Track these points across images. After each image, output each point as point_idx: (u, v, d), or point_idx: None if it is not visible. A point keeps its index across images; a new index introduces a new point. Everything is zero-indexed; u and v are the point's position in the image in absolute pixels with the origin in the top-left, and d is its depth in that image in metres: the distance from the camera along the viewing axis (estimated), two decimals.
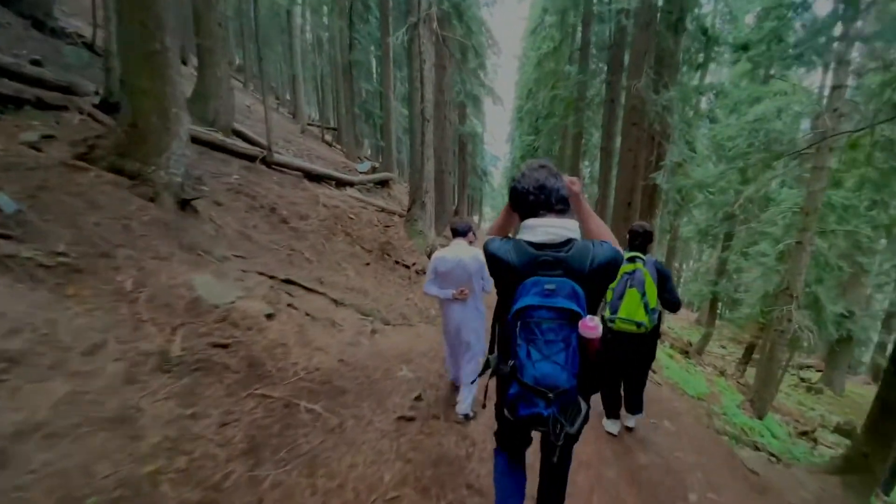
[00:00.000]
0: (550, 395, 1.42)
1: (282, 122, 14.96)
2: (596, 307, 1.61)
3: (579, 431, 1.58)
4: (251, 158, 7.78)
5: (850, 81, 10.16)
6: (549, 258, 1.51)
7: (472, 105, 14.22)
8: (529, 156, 20.95)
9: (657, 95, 8.60)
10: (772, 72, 16.44)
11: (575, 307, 1.44)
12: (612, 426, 3.55)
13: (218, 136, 7.04)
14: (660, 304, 3.19)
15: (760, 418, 10.18)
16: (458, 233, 3.27)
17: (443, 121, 10.01)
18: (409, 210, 8.75)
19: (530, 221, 1.60)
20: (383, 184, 12.57)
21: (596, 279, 1.52)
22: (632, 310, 3.06)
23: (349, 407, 2.97)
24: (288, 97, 22.29)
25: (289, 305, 3.71)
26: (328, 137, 17.91)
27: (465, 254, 3.12)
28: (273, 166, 8.29)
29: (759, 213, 15.36)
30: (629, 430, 3.67)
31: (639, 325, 3.06)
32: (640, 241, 3.25)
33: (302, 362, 3.22)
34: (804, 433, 10.60)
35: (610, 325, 3.17)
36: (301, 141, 13.51)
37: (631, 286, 3.08)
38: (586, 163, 19.58)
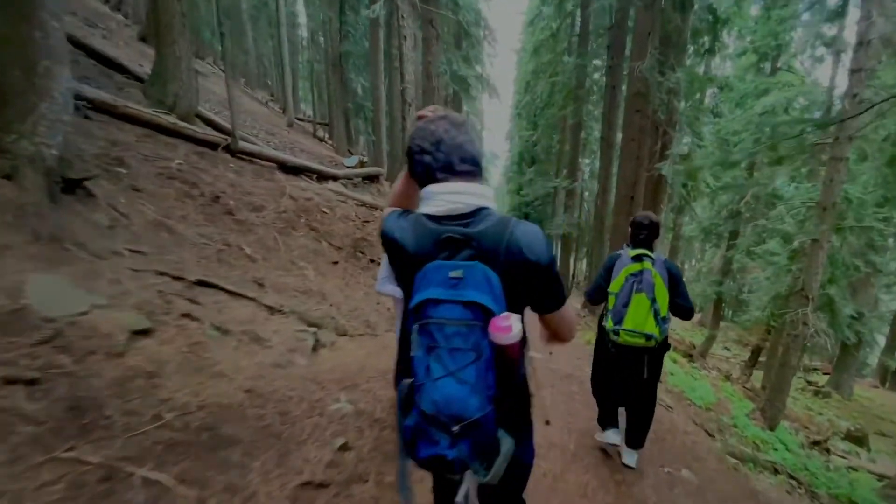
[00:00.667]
0: (455, 428, 0.95)
1: (268, 116, 14.05)
2: (519, 307, 1.10)
3: (515, 485, 1.25)
4: (213, 146, 6.81)
5: (870, 65, 9.04)
6: (454, 234, 1.05)
7: (465, 92, 13.12)
8: (528, 152, 19.96)
9: (663, 77, 7.58)
10: (778, 64, 15.55)
11: (488, 302, 0.96)
12: (613, 436, 2.99)
13: (168, 119, 6.07)
14: (670, 312, 2.61)
15: (772, 428, 9.23)
16: None
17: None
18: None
19: (429, 189, 1.13)
20: (372, 179, 11.60)
21: (513, 269, 1.03)
22: (640, 320, 2.48)
23: (229, 468, 1.97)
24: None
25: (185, 316, 2.72)
26: (320, 133, 17.04)
27: None
28: (239, 155, 7.32)
29: (766, 210, 14.51)
30: (628, 467, 2.87)
31: (648, 337, 2.48)
32: (645, 234, 2.62)
33: (180, 398, 2.22)
34: (816, 443, 9.72)
35: (614, 337, 2.59)
36: (286, 134, 12.57)
37: (638, 290, 2.50)
38: (587, 160, 18.53)
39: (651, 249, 2.62)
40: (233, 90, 6.97)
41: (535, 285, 1.07)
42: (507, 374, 1.01)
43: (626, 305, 2.52)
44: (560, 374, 4.16)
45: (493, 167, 32.20)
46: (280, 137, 11.66)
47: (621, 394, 2.93)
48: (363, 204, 8.49)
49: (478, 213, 1.08)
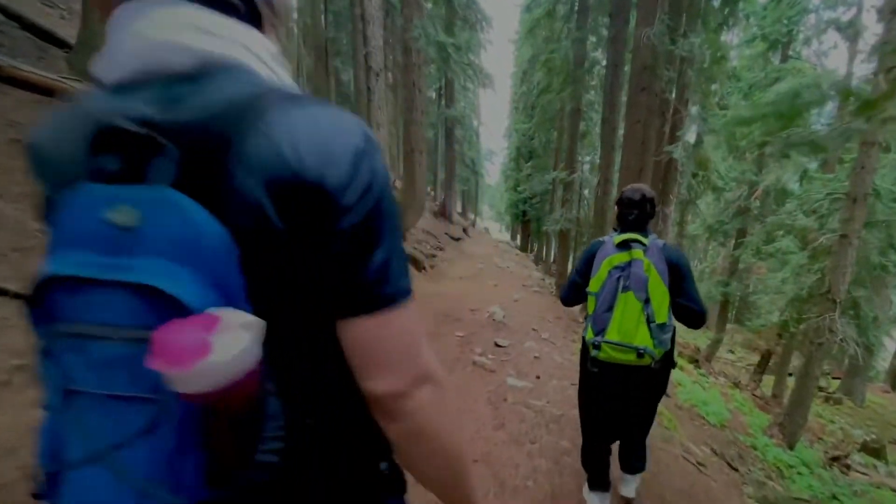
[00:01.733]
0: None
1: None
2: (279, 297, 0.46)
3: None
4: None
5: None
6: (123, 124, 0.40)
7: (444, 62, 11.59)
8: (525, 147, 18.66)
9: (674, 46, 6.30)
10: (790, 52, 14.44)
11: (181, 288, 0.38)
12: (597, 500, 2.20)
13: (75, 85, 4.86)
14: (672, 317, 1.89)
15: (791, 446, 8.24)
16: None
17: (411, 88, 7.75)
18: None
19: (114, 16, 0.45)
20: None
21: (267, 204, 0.42)
22: (628, 328, 1.79)
23: None
24: None
25: None
26: None
27: None
28: None
29: (776, 206, 13.55)
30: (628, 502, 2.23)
31: (640, 352, 1.77)
32: (636, 213, 1.94)
33: None
34: (835, 458, 8.85)
35: (595, 352, 1.88)
36: None
37: (625, 289, 1.81)
38: (588, 157, 17.21)
39: (645, 234, 1.91)
40: None
41: (321, 242, 0.45)
42: (235, 452, 0.43)
43: (609, 309, 1.84)
44: (547, 415, 2.86)
45: (491, 164, 31.10)
46: None
47: (606, 429, 2.15)
48: None
49: (206, 74, 0.45)
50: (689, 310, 1.85)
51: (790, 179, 14.13)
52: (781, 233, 12.50)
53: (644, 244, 1.86)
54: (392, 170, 11.36)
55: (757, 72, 14.21)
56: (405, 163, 8.21)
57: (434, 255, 9.44)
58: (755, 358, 15.18)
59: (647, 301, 1.80)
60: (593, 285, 1.91)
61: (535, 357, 4.20)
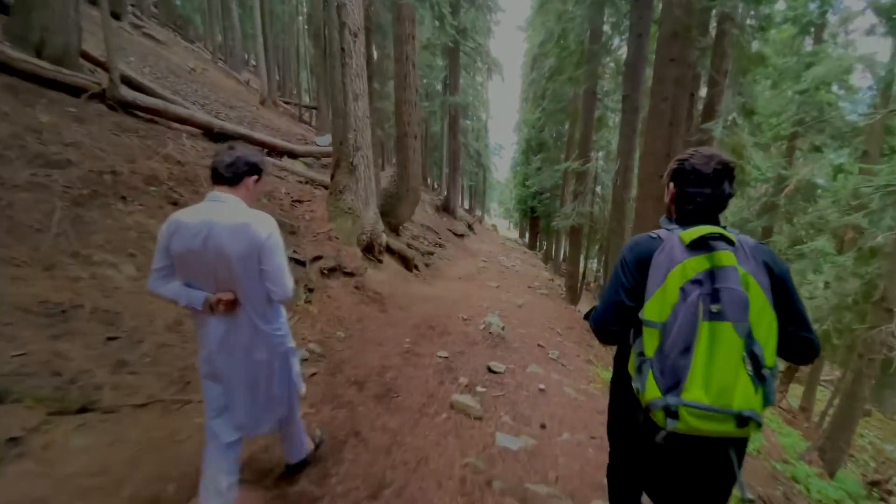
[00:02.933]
0: None
1: (238, 91, 11.91)
2: None
3: None
4: (74, 91, 4.58)
5: None
6: None
7: (440, 28, 10.31)
8: (535, 139, 17.42)
9: (713, 2, 5.08)
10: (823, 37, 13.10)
11: None
12: None
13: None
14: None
15: (832, 473, 7.12)
16: (222, 177, 1.33)
17: (404, 62, 6.63)
18: (332, 177, 5.38)
19: None
20: None
21: None
22: (723, 380, 0.96)
23: None
24: (277, 78, 19.19)
25: None
26: (307, 116, 15.12)
27: (226, 219, 1.27)
28: (132, 110, 5.08)
29: (805, 203, 12.22)
30: None
31: (741, 419, 0.96)
32: (708, 193, 1.16)
33: None
34: (875, 483, 7.83)
35: (666, 422, 1.00)
36: (253, 110, 10.36)
37: (713, 316, 0.98)
38: (601, 153, 15.81)
39: (721, 223, 1.15)
40: (107, 19, 4.68)
41: None
42: None
43: (687, 350, 0.99)
44: None
45: (499, 158, 29.78)
46: (241, 111, 9.45)
47: None
48: (308, 181, 6.18)
49: None
50: (805, 342, 1.10)
51: (819, 174, 12.82)
52: (812, 231, 11.21)
53: (731, 241, 1.08)
54: (387, 161, 10.29)
55: (789, 57, 12.85)
56: (397, 148, 7.10)
57: (431, 253, 8.36)
58: (784, 368, 14.09)
59: (749, 335, 1.00)
60: (655, 310, 1.07)
61: (541, 389, 3.08)
